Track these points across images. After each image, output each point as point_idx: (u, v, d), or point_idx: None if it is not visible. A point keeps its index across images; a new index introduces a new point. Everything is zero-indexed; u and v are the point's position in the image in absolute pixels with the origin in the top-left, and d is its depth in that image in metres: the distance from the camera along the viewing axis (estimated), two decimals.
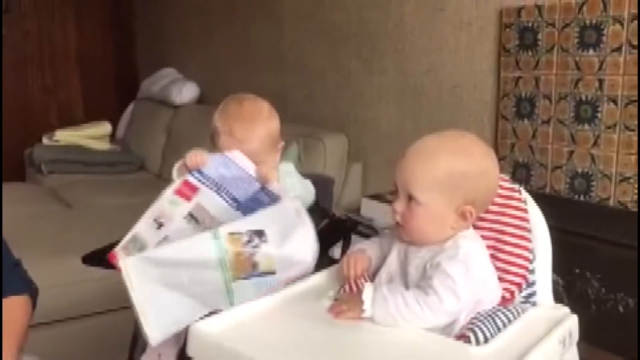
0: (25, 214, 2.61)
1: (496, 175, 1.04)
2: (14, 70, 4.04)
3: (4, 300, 1.11)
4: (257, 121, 1.29)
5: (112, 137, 3.93)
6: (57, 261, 2.11)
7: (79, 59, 4.28)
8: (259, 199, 1.15)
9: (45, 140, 3.66)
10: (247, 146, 1.26)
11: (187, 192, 1.18)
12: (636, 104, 1.69)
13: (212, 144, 1.31)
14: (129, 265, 0.97)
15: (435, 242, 1.01)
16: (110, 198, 2.99)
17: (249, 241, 1.01)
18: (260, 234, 1.02)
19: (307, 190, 1.34)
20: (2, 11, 3.84)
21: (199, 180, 1.18)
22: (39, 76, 4.17)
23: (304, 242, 1.06)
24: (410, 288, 0.98)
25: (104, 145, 3.75)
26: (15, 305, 1.14)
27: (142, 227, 1.14)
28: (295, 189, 1.31)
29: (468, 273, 0.95)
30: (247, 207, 1.14)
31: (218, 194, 1.17)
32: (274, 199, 1.13)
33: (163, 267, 0.98)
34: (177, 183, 1.19)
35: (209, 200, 1.16)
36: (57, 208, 2.93)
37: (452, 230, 1.01)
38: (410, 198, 1.00)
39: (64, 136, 3.68)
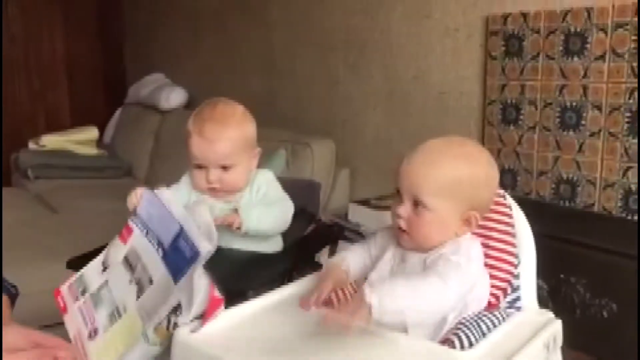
0: (11, 219, 2.59)
1: (497, 182, 1.06)
2: None
3: None
4: (229, 122, 1.28)
5: (100, 142, 3.91)
6: (42, 266, 2.09)
7: (66, 63, 4.25)
8: (179, 247, 0.95)
9: (31, 145, 3.63)
10: (217, 146, 1.26)
11: (125, 234, 1.09)
12: (620, 110, 1.71)
13: (186, 148, 1.31)
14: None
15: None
16: (96, 203, 2.97)
17: (168, 322, 0.94)
18: (175, 309, 0.94)
19: (274, 216, 1.30)
20: (2, 12, 3.79)
21: (132, 221, 1.09)
22: (26, 81, 4.13)
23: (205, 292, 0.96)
24: None
25: (91, 150, 3.73)
26: None
27: (90, 267, 1.10)
28: (267, 203, 1.31)
29: (469, 263, 0.98)
30: (170, 258, 0.98)
31: (146, 236, 1.04)
32: (191, 247, 0.93)
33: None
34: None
35: (140, 244, 1.05)
36: (43, 213, 2.91)
37: (455, 237, 1.02)
38: (416, 204, 1.00)
39: (51, 141, 3.65)
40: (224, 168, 1.27)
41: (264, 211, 1.28)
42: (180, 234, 0.95)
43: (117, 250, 1.08)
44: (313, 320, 0.98)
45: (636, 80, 1.66)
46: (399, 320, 0.90)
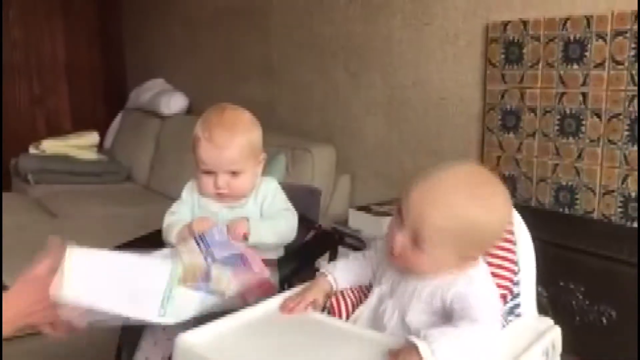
0: (11, 223, 2.59)
1: (510, 222, 1.01)
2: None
3: None
4: (238, 128, 1.28)
5: (100, 147, 3.91)
6: None
7: (67, 68, 4.26)
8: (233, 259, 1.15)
9: (32, 150, 3.64)
10: (226, 153, 1.26)
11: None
12: (619, 117, 1.71)
13: (193, 154, 1.31)
14: (72, 254, 1.01)
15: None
16: (96, 208, 2.97)
17: (207, 257, 1.01)
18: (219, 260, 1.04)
19: (280, 232, 1.31)
20: (1, 16, 3.79)
21: (195, 241, 1.19)
22: (26, 86, 4.14)
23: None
24: (407, 313, 0.97)
25: (91, 155, 3.73)
26: None
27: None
28: (270, 214, 1.32)
29: (491, 295, 0.96)
30: (219, 262, 1.15)
31: (196, 242, 1.18)
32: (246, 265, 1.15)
33: (107, 263, 1.04)
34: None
35: (187, 246, 1.18)
36: (43, 218, 2.91)
37: (448, 270, 0.97)
38: (415, 239, 0.94)
39: (51, 146, 3.65)
40: (233, 174, 1.28)
41: (272, 226, 1.29)
42: (239, 256, 1.15)
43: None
44: (312, 327, 0.98)
45: (636, 87, 1.67)
46: None
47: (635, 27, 1.65)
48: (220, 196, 1.30)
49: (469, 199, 0.92)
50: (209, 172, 1.28)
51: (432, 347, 0.84)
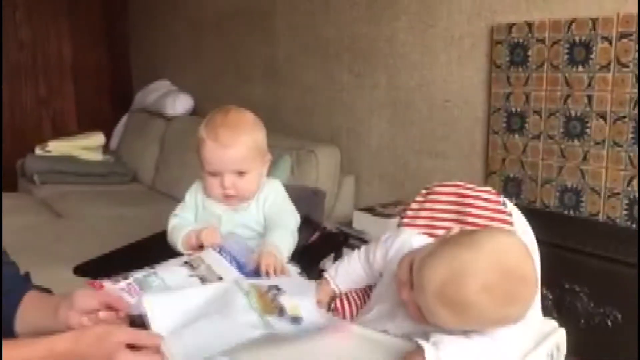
0: (17, 224, 2.60)
1: None
2: (7, 80, 4.04)
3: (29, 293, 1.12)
4: (242, 128, 1.29)
5: (106, 148, 3.93)
6: (48, 272, 2.10)
7: (73, 70, 4.28)
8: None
9: (37, 151, 3.65)
10: (231, 152, 1.26)
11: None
12: (624, 120, 1.71)
13: (197, 156, 1.31)
14: (153, 303, 0.95)
15: None
16: (102, 209, 2.98)
17: (269, 289, 1.00)
18: (276, 287, 1.01)
19: (290, 243, 1.29)
20: (1, 17, 3.81)
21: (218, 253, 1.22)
22: (33, 87, 4.16)
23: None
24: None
25: (97, 156, 3.75)
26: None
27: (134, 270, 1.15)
28: (271, 215, 1.31)
29: None
30: (247, 271, 1.18)
31: (219, 253, 1.20)
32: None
33: (188, 305, 0.97)
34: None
35: (208, 254, 1.20)
36: (49, 218, 2.93)
37: None
38: (420, 308, 0.89)
39: (57, 147, 3.67)
40: (239, 174, 1.28)
41: (287, 242, 1.27)
42: None
43: (177, 259, 1.20)
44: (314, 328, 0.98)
45: None
46: None
47: None
48: (227, 198, 1.30)
49: (493, 301, 0.83)
50: (214, 174, 1.29)
51: (439, 353, 0.84)
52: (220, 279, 1.13)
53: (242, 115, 1.33)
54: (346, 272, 1.12)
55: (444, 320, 0.86)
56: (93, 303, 0.99)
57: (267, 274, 1.14)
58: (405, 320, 0.96)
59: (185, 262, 1.18)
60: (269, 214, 1.32)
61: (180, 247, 1.29)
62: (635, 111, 1.68)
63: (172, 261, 1.20)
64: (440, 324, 0.87)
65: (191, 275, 1.13)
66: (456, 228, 0.98)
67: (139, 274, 1.10)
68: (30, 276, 1.19)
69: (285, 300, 0.99)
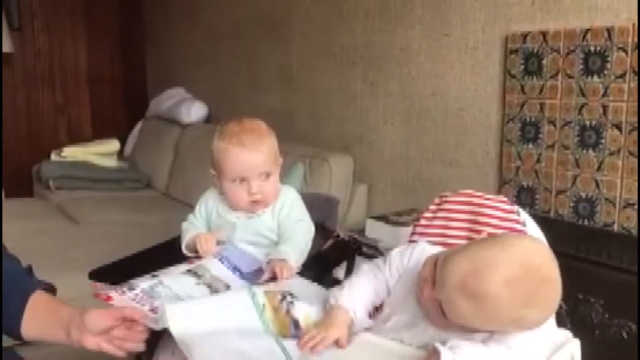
0: (32, 229, 2.63)
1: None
2: (25, 87, 4.09)
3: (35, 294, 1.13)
4: (262, 132, 1.32)
5: (120, 154, 3.96)
6: (63, 277, 2.12)
7: (89, 77, 4.33)
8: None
9: (53, 157, 3.70)
10: (259, 155, 1.28)
11: (190, 260, 1.26)
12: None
13: (216, 169, 1.32)
14: (176, 313, 0.95)
15: None
16: (116, 215, 3.01)
17: (283, 298, 1.00)
18: (289, 293, 1.02)
19: (302, 252, 1.29)
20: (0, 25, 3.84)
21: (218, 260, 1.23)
22: (49, 93, 4.22)
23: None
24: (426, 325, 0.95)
25: (112, 163, 3.78)
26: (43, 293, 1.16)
27: (137, 278, 1.16)
28: (286, 225, 1.31)
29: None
30: (250, 277, 1.20)
31: (221, 261, 1.22)
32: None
33: (206, 320, 0.98)
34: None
35: (211, 263, 1.22)
36: (64, 224, 2.95)
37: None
38: (442, 306, 0.90)
39: (72, 152, 3.71)
40: (265, 177, 1.29)
41: (300, 250, 1.27)
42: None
43: (177, 267, 1.21)
44: None
45: None
46: None
47: None
48: (254, 204, 1.30)
49: (513, 297, 0.84)
50: (242, 180, 1.28)
51: (455, 357, 0.83)
52: (228, 287, 1.14)
53: (255, 121, 1.35)
54: (363, 295, 1.06)
55: (462, 312, 0.86)
56: (106, 323, 0.99)
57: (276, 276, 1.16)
58: (427, 330, 0.95)
59: (188, 271, 1.18)
60: (283, 223, 1.32)
61: (184, 249, 1.31)
62: None
63: (172, 269, 1.21)
64: (458, 317, 0.88)
65: (198, 284, 1.14)
66: (483, 234, 1.01)
67: (144, 284, 1.10)
68: (33, 269, 1.21)
69: (298, 311, 0.99)
